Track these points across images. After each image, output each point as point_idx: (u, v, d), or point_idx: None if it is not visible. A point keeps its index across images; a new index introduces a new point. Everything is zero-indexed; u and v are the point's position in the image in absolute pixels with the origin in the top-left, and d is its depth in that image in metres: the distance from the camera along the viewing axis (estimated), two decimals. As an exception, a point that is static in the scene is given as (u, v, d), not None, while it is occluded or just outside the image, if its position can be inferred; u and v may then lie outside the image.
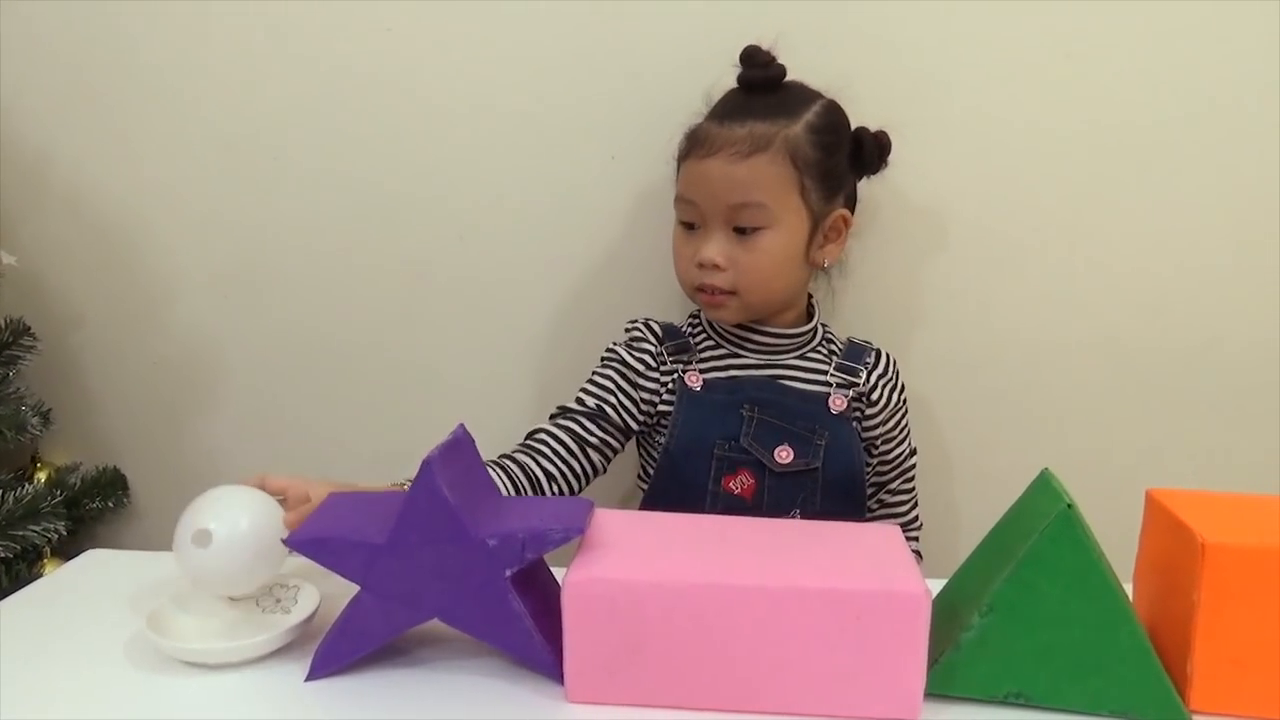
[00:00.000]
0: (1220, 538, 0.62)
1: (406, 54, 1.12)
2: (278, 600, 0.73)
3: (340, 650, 0.67)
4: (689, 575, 0.62)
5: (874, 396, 1.01)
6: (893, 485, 1.07)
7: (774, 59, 0.98)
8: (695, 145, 0.96)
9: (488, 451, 1.09)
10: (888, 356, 1.03)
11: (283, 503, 0.75)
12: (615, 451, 1.01)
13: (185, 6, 1.13)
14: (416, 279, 1.18)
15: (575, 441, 0.98)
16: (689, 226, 0.98)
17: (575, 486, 0.98)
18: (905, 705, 0.61)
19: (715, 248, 0.95)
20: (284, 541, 0.67)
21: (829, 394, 1.00)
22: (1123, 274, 1.12)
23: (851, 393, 1.00)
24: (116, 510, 1.25)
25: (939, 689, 0.64)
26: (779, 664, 0.61)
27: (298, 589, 0.73)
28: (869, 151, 1.00)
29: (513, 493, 0.92)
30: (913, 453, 1.07)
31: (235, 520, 0.69)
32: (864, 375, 1.01)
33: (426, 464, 0.63)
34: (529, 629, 0.64)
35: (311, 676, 0.66)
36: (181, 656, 0.67)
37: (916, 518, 1.09)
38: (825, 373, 1.01)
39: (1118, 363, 1.14)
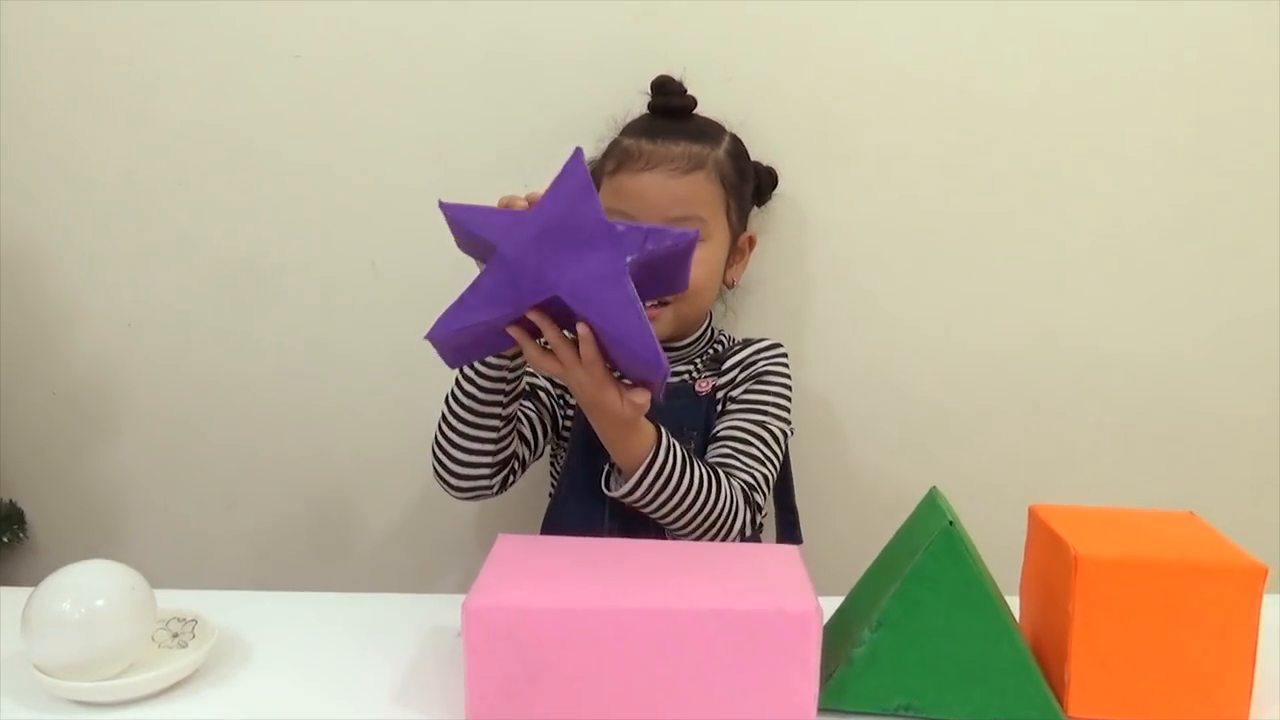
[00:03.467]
0: (1092, 550, 0.66)
1: (316, 80, 1.12)
2: (174, 635, 0.71)
3: (461, 314, 0.71)
4: (587, 600, 0.63)
5: (736, 359, 1.01)
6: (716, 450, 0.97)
7: (685, 88, 1.04)
8: (628, 159, 0.98)
9: (410, 468, 1.08)
10: (773, 342, 1.03)
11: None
12: (543, 437, 1.00)
13: (85, 31, 1.11)
14: (326, 307, 1.17)
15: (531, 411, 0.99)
16: None
17: (542, 437, 0.99)
18: (799, 720, 0.63)
19: None
20: (440, 205, 0.73)
21: (696, 380, 1.01)
22: (1014, 298, 1.16)
23: (716, 373, 1.00)
24: (13, 546, 1.21)
25: (832, 704, 0.66)
26: (676, 684, 0.63)
27: (195, 623, 0.72)
28: (765, 183, 1.08)
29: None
30: (746, 436, 0.97)
31: (91, 601, 0.65)
32: (736, 353, 1.01)
33: (578, 152, 0.72)
34: (639, 312, 0.70)
35: (432, 335, 0.72)
36: (73, 696, 0.65)
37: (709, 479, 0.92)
38: (698, 363, 1.03)
39: (1010, 384, 1.18)
